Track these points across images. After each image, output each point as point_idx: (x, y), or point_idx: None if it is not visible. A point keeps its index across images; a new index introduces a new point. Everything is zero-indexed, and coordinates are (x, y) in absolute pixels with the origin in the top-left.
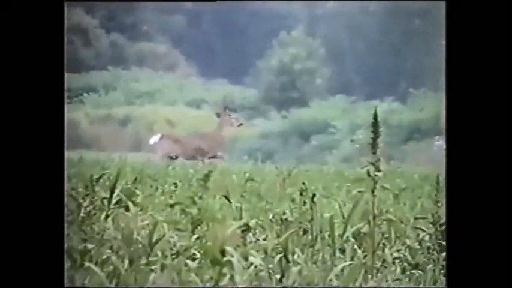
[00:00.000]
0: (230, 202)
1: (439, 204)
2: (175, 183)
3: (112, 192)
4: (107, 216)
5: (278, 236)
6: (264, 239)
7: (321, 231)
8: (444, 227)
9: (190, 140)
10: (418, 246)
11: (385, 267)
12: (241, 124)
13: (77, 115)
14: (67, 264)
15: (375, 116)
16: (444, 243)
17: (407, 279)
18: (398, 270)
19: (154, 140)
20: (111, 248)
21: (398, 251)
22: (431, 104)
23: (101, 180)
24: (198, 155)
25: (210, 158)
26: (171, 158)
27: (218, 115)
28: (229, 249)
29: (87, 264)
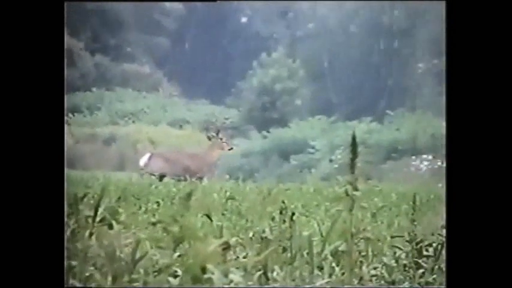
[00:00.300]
0: (211, 220)
1: (415, 223)
2: (157, 202)
3: (96, 211)
4: (90, 234)
5: (258, 254)
6: (244, 257)
7: (299, 249)
8: (420, 245)
9: (179, 159)
10: (395, 264)
11: (363, 284)
12: (231, 148)
13: None
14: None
15: (353, 137)
16: (420, 260)
17: None
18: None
19: (143, 161)
20: (94, 265)
21: (375, 268)
22: (408, 124)
23: (85, 199)
24: (186, 175)
25: (197, 178)
26: (153, 175)
27: (209, 138)
28: (210, 266)
29: (71, 281)
